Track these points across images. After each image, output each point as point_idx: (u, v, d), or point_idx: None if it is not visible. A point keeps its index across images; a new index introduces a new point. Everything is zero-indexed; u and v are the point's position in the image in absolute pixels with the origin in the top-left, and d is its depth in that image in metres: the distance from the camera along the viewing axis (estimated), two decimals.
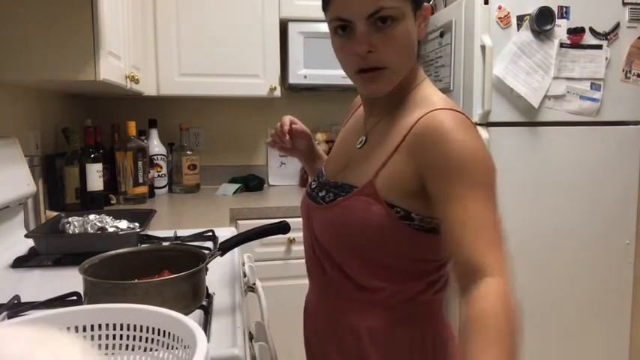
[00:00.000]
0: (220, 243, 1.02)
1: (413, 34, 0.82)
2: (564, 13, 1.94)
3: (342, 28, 0.81)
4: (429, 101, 0.83)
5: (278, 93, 2.34)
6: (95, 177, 1.92)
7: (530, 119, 1.96)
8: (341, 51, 0.83)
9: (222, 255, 0.99)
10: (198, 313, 0.88)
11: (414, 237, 0.81)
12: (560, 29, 1.93)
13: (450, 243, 0.73)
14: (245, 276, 1.27)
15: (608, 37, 1.98)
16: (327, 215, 0.88)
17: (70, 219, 1.37)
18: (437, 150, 0.76)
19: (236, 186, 2.44)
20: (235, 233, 1.29)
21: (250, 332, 1.09)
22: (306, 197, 0.98)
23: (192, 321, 0.55)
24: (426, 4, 0.84)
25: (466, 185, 0.73)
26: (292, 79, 2.34)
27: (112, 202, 2.08)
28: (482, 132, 1.87)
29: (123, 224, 1.36)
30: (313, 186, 0.98)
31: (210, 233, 1.46)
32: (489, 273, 0.67)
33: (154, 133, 2.43)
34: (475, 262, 0.69)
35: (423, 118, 0.80)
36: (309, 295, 1.02)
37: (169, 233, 1.48)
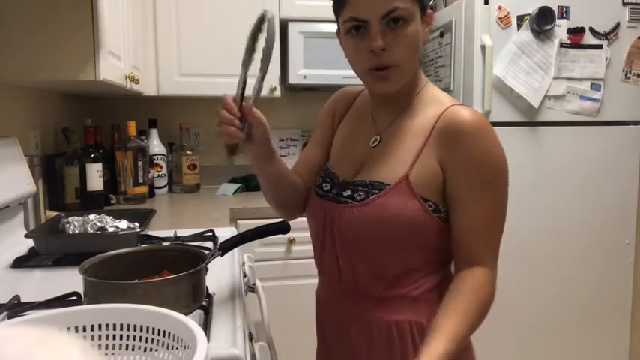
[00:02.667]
0: (220, 243, 1.02)
1: (420, 35, 0.87)
2: (564, 13, 1.94)
3: (355, 29, 0.84)
4: (440, 100, 0.90)
5: (278, 93, 2.34)
6: (95, 177, 1.92)
7: (530, 119, 1.97)
8: (354, 50, 0.86)
9: (222, 255, 0.99)
10: (198, 313, 0.88)
11: (443, 229, 0.87)
12: (560, 29, 1.93)
13: (456, 236, 0.86)
14: (245, 276, 1.27)
15: (608, 37, 1.98)
16: (362, 213, 0.87)
17: (70, 219, 1.37)
18: (462, 147, 0.83)
19: (236, 186, 2.44)
20: (235, 233, 1.29)
21: (250, 332, 1.08)
22: (318, 199, 0.95)
23: (192, 321, 0.55)
24: (429, 10, 0.88)
25: (483, 186, 0.83)
26: (292, 79, 2.34)
27: (112, 202, 2.08)
28: None
29: (123, 224, 1.36)
30: (327, 188, 0.95)
31: (210, 233, 1.45)
32: (482, 264, 0.83)
33: (154, 133, 2.43)
34: (473, 256, 0.84)
35: (444, 114, 0.86)
36: (322, 292, 1.02)
37: (169, 233, 1.48)
